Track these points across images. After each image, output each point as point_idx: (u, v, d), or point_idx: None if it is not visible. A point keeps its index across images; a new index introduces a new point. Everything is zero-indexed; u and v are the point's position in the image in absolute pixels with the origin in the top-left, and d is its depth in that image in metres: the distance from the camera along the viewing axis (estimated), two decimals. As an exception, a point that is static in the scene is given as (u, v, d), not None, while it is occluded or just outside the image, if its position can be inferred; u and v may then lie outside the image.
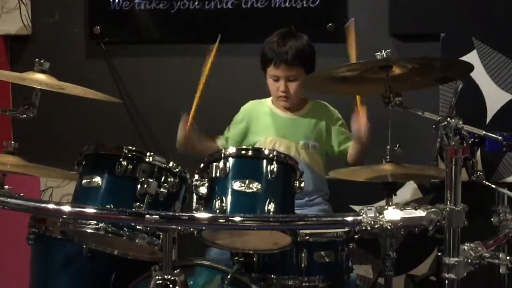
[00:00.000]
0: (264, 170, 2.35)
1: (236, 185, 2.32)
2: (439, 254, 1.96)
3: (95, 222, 2.27)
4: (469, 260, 1.93)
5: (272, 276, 2.65)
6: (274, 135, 3.20)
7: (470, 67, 2.51)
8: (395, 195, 2.87)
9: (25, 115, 2.43)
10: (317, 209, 3.18)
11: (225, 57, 3.87)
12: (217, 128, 3.43)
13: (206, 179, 2.37)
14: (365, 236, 2.78)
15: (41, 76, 2.49)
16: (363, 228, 1.88)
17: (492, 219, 2.66)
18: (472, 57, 3.47)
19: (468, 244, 1.96)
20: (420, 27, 3.63)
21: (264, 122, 3.25)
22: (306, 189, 2.68)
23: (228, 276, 2.50)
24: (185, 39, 3.92)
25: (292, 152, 3.11)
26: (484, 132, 2.12)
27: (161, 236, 2.28)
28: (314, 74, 2.89)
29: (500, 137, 2.16)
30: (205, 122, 3.79)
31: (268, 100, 3.31)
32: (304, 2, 3.71)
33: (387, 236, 2.86)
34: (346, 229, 2.67)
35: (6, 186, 2.56)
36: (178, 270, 2.27)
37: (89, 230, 2.30)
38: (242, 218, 2.02)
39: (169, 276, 2.21)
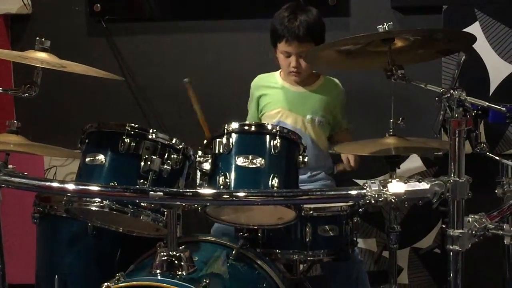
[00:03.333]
0: (267, 145, 2.35)
1: (240, 161, 2.32)
2: (444, 226, 1.96)
3: (99, 199, 2.27)
4: (474, 232, 1.94)
5: (277, 251, 2.67)
6: (282, 107, 3.21)
7: (473, 39, 2.49)
8: (399, 168, 2.86)
9: (27, 94, 2.41)
10: (320, 184, 3.20)
11: (228, 33, 3.87)
12: (222, 104, 3.43)
13: (209, 155, 2.37)
14: (369, 209, 2.79)
15: (42, 55, 2.47)
16: (367, 201, 1.89)
17: (496, 191, 2.67)
18: (474, 29, 3.45)
19: (472, 216, 1.96)
20: (422, -1, 3.61)
21: (273, 95, 3.26)
22: (309, 164, 2.69)
23: (233, 252, 2.50)
24: (186, 16, 3.90)
25: (298, 126, 3.12)
26: (487, 103, 2.11)
27: (165, 212, 2.29)
28: (317, 48, 2.88)
29: (504, 109, 2.15)
30: (211, 99, 3.80)
31: (277, 74, 3.31)
32: (306, -24, 3.69)
33: (391, 209, 2.86)
34: (350, 203, 2.68)
35: (10, 166, 2.56)
36: (183, 247, 2.29)
37: (93, 208, 2.30)
38: (246, 194, 2.03)
39: (174, 253, 2.22)
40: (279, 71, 3.30)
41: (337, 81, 3.31)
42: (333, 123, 3.29)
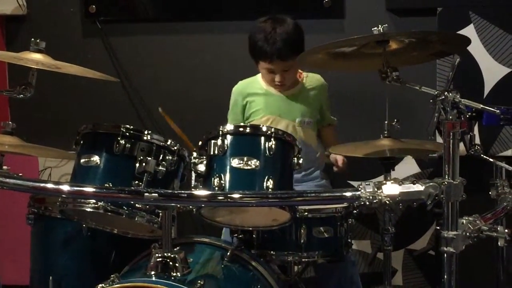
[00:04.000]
0: (262, 147, 2.35)
1: (235, 162, 2.31)
2: (438, 228, 1.97)
3: (94, 201, 2.26)
4: (468, 234, 1.94)
5: (272, 252, 2.67)
6: (271, 114, 3.20)
7: (467, 41, 2.50)
8: (393, 170, 2.86)
9: (22, 95, 2.41)
10: (315, 184, 3.20)
11: (224, 34, 3.88)
12: (218, 105, 3.43)
13: (204, 157, 2.37)
14: (363, 211, 2.79)
15: (37, 56, 2.47)
16: (362, 203, 1.89)
17: (490, 193, 2.67)
18: (469, 31, 3.46)
19: (467, 218, 1.97)
20: (416, 1, 3.62)
21: (260, 102, 3.24)
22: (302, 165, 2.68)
23: (228, 253, 2.50)
24: (181, 17, 3.90)
25: (289, 130, 3.11)
26: (481, 105, 2.11)
27: (160, 214, 2.29)
28: (312, 50, 2.88)
29: (498, 111, 2.15)
30: (207, 100, 3.81)
31: (259, 78, 3.28)
32: (301, -22, 3.70)
33: (385, 211, 2.87)
34: (345, 204, 2.68)
35: (4, 167, 2.56)
36: (178, 248, 2.28)
37: (88, 209, 2.30)
38: (241, 195, 2.02)
39: (169, 254, 2.22)
40: (259, 74, 3.27)
41: (319, 76, 3.30)
42: (320, 119, 3.30)
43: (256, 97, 3.25)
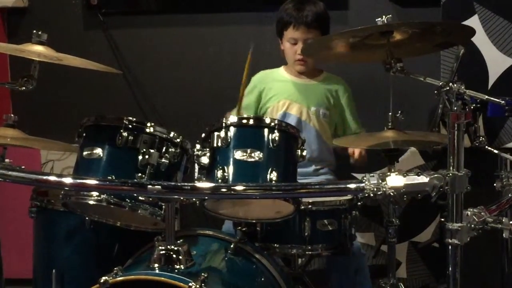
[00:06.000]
0: (266, 139, 2.34)
1: (238, 154, 2.30)
2: (442, 220, 1.95)
3: (97, 193, 2.26)
4: (472, 225, 1.93)
5: (275, 245, 2.66)
6: (287, 98, 3.22)
7: (472, 32, 2.48)
8: (397, 162, 2.86)
9: (24, 88, 2.40)
10: (324, 178, 3.19)
11: (227, 26, 3.87)
12: (221, 97, 3.42)
13: (207, 149, 2.36)
14: (368, 203, 2.79)
15: (39, 48, 2.46)
16: (366, 195, 1.88)
17: (494, 184, 2.67)
18: (473, 22, 3.44)
19: (471, 210, 1.96)
20: (420, -8, 3.60)
21: (278, 88, 3.27)
22: (313, 156, 2.64)
23: (231, 246, 2.50)
24: (183, 9, 3.89)
25: (303, 117, 3.15)
26: (486, 96, 2.10)
27: (163, 206, 2.28)
28: (315, 41, 2.87)
29: (503, 102, 2.14)
30: (203, 93, 3.80)
31: (280, 69, 3.33)
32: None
33: (390, 203, 2.86)
34: (349, 197, 2.67)
35: (6, 160, 2.55)
36: (181, 240, 2.28)
37: (91, 202, 2.29)
38: (244, 187, 2.02)
39: (172, 246, 2.21)
40: (281, 67, 3.31)
41: (340, 78, 3.33)
42: (339, 121, 3.29)
43: (275, 83, 3.29)
